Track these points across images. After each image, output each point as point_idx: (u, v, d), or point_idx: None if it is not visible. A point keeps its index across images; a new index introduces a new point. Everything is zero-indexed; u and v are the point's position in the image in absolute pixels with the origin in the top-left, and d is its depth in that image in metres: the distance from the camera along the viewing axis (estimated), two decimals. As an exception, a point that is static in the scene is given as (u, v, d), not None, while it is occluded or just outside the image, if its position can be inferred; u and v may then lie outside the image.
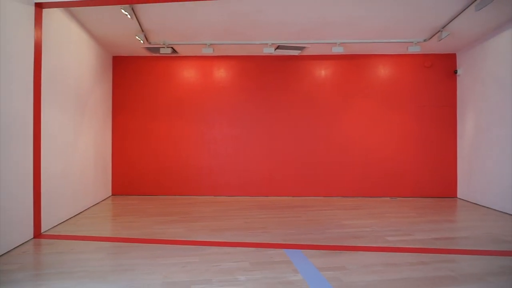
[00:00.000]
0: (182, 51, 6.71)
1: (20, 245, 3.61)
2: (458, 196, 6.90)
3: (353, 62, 7.04)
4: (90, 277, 2.77)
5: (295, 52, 6.72)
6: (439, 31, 5.58)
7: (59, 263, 3.10)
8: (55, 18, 4.44)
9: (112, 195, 6.98)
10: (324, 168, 7.01)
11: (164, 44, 6.20)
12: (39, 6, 3.97)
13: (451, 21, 5.14)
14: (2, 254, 3.29)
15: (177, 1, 4.05)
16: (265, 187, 7.03)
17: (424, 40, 6.06)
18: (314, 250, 3.47)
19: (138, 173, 7.04)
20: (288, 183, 7.03)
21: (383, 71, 7.04)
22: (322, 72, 7.08)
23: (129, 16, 4.69)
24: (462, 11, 4.78)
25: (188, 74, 7.11)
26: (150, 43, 6.16)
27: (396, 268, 2.96)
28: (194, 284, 2.62)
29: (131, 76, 7.07)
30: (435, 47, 6.43)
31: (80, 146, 5.33)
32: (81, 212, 5.28)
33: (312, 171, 7.01)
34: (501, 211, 5.43)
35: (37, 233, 3.96)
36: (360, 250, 3.51)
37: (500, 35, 5.54)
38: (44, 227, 4.14)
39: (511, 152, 5.25)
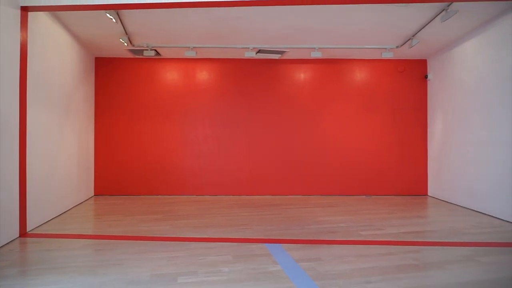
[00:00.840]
0: (165, 53, 6.84)
1: (6, 244, 3.68)
2: (428, 194, 7.32)
3: (331, 66, 7.36)
4: (80, 271, 2.91)
5: (276, 56, 6.97)
6: (410, 39, 5.95)
7: (48, 259, 3.21)
8: (39, 20, 4.50)
9: (94, 195, 7.02)
10: (303, 168, 7.29)
11: (147, 47, 6.32)
12: (24, 10, 4.05)
13: (420, 30, 5.51)
14: (-10, 252, 3.37)
15: (161, 8, 4.20)
16: (246, 187, 7.24)
17: (397, 47, 6.43)
18: (292, 244, 3.71)
19: (121, 173, 7.11)
20: (269, 182, 7.26)
21: (359, 75, 7.39)
22: (302, 75, 7.36)
23: (114, 20, 4.81)
24: (430, 21, 5.15)
25: (171, 76, 7.24)
26: (133, 45, 6.26)
27: (366, 259, 3.23)
28: (181, 276, 2.80)
29: (114, 77, 7.14)
30: (408, 53, 6.81)
31: (63, 146, 5.39)
32: (65, 212, 5.34)
33: (291, 171, 7.28)
34: (465, 207, 5.84)
35: (23, 232, 4.03)
36: (335, 244, 3.77)
37: (464, 44, 5.96)
38: (29, 226, 4.21)
39: (474, 154, 5.67)
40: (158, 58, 7.14)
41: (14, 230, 3.88)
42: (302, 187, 7.28)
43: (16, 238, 3.89)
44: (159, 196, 7.04)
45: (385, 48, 6.50)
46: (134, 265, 3.05)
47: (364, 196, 7.22)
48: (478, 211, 5.49)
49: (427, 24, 5.27)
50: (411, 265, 3.05)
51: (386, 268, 2.97)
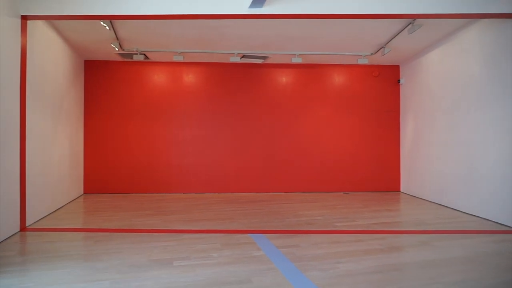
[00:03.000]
0: (153, 57, 7.15)
1: (9, 237, 3.96)
2: (401, 190, 7.89)
3: (311, 70, 7.83)
4: (85, 258, 3.25)
5: (259, 61, 7.39)
6: (382, 47, 6.47)
7: (52, 249, 3.52)
8: (34, 25, 4.73)
9: (84, 193, 7.26)
10: (285, 166, 7.74)
11: (137, 51, 6.61)
12: (24, 18, 4.33)
13: (390, 40, 6.03)
14: (-5, 244, 3.65)
15: (153, 19, 4.54)
16: (231, 184, 7.63)
17: (371, 54, 6.95)
18: (274, 234, 4.13)
19: (109, 173, 7.37)
20: (252, 180, 7.67)
21: (337, 79, 7.89)
22: (283, 79, 7.80)
23: (107, 27, 5.12)
24: (399, 33, 5.67)
25: (159, 78, 7.55)
26: (123, 50, 6.55)
27: (338, 244, 3.69)
28: (175, 261, 3.18)
29: (103, 80, 7.39)
30: (382, 59, 7.34)
31: (56, 147, 5.65)
32: (58, 209, 5.60)
33: (274, 169, 7.71)
34: (432, 202, 6.41)
35: (23, 227, 4.31)
36: (312, 233, 4.22)
37: (431, 53, 6.53)
38: (27, 222, 4.48)
39: (439, 153, 6.24)
40: (146, 62, 7.44)
41: (15, 224, 4.15)
42: (284, 185, 7.73)
43: (17, 232, 4.16)
44: (146, 194, 7.34)
45: (361, 55, 7.02)
46: (133, 252, 3.41)
47: (342, 193, 7.72)
48: (442, 205, 6.07)
49: (396, 35, 5.79)
50: (376, 249, 3.53)
51: (354, 252, 3.44)
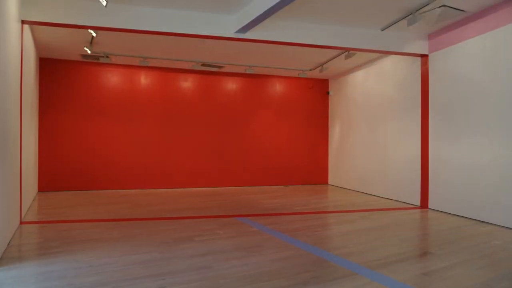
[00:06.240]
0: (116, 60, 7.46)
1: (16, 229, 4.19)
2: (329, 183, 9.55)
3: (259, 80, 8.98)
4: (115, 240, 3.81)
5: (215, 69, 8.26)
6: (321, 66, 7.94)
7: (75, 236, 3.95)
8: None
9: (38, 191, 7.21)
10: (235, 164, 8.74)
11: (104, 55, 6.91)
12: (22, 23, 4.56)
13: (329, 61, 7.52)
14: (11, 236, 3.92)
15: (134, 32, 5.08)
16: (187, 180, 8.34)
17: (310, 70, 8.39)
18: (254, 217, 5.14)
19: (65, 170, 7.44)
20: (206, 176, 8.50)
21: (279, 89, 9.19)
22: (234, 86, 8.80)
23: (94, 34, 5.48)
24: (336, 57, 7.16)
25: (118, 80, 7.87)
26: (92, 52, 6.78)
27: (307, 221, 4.89)
28: (195, 237, 3.97)
29: (59, 78, 7.42)
30: (314, 73, 8.83)
31: (27, 144, 5.73)
32: (29, 207, 5.70)
33: (225, 166, 8.66)
34: (355, 190, 8.11)
35: (20, 221, 4.53)
36: (283, 215, 5.34)
37: (356, 73, 8.25)
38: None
39: (361, 151, 7.96)
40: (106, 63, 7.68)
41: (17, 219, 4.38)
42: (234, 180, 8.73)
43: (19, 226, 4.39)
44: (102, 190, 7.61)
45: (302, 70, 8.41)
46: (153, 234, 4.07)
47: (282, 186, 9.04)
48: (363, 192, 7.78)
49: (333, 59, 7.28)
50: (334, 222, 4.81)
51: (322, 225, 4.69)
